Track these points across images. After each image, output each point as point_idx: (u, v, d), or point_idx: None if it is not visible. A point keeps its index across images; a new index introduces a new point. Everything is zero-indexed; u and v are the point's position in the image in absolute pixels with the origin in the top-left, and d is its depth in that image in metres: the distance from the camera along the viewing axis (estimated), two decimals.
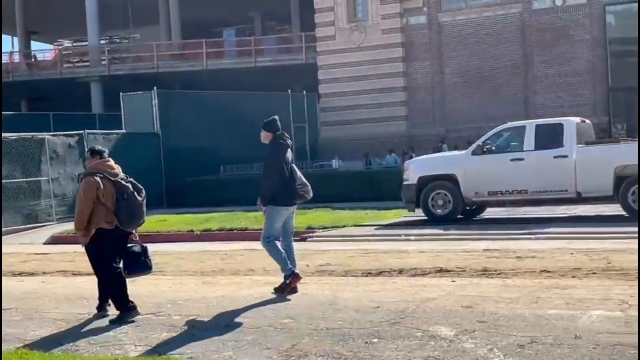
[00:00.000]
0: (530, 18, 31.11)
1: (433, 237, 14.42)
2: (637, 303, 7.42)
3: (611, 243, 12.08)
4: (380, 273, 10.34)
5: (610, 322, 6.92)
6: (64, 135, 22.68)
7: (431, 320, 7.34)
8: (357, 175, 24.00)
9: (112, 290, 8.36)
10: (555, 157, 15.85)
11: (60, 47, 47.13)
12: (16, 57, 48.39)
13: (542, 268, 9.96)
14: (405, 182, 16.98)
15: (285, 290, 8.97)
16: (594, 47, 30.32)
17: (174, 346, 7.00)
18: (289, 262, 9.13)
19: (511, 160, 16.25)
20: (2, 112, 30.71)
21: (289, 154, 9.57)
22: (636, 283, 8.37)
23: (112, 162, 8.49)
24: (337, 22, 33.55)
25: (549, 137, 16.03)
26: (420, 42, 32.66)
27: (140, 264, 8.53)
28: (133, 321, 7.97)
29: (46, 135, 22.10)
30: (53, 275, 11.48)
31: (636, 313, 7.01)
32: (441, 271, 10.18)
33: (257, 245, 14.41)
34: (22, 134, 21.56)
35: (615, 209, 15.76)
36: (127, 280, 8.40)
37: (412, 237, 14.53)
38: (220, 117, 26.96)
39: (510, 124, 17.17)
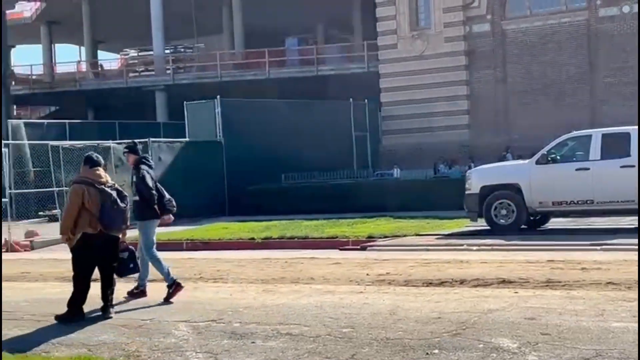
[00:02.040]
0: (597, 25, 30.58)
1: (495, 248, 14.21)
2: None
3: None
4: (441, 283, 10.23)
5: None
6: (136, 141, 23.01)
7: (493, 332, 7.22)
8: (418, 184, 23.84)
9: (75, 291, 8.93)
10: (621, 166, 15.50)
11: (126, 56, 47.95)
12: (83, 67, 49.48)
13: (608, 280, 9.73)
14: (467, 192, 16.79)
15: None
16: None
17: (234, 354, 7.02)
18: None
19: (576, 169, 15.94)
20: (70, 121, 31.46)
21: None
22: None
23: (100, 171, 9.02)
24: (399, 30, 33.46)
25: (616, 147, 15.69)
26: (483, 50, 32.37)
27: (128, 268, 9.42)
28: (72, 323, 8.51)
29: (112, 143, 22.48)
30: (118, 281, 11.62)
31: None
32: (504, 282, 10.02)
33: (318, 253, 14.51)
34: (88, 142, 21.98)
35: None
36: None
37: (474, 247, 14.36)
38: (282, 126, 27.08)
39: (575, 133, 16.85)
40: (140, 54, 46.28)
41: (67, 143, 21.72)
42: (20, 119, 40.31)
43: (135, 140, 11.04)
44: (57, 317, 8.90)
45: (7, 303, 10.18)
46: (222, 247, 17.09)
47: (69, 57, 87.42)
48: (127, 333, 8.11)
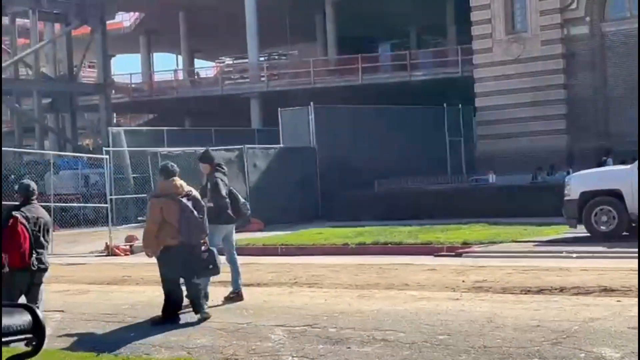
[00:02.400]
0: None
1: (596, 255, 13.83)
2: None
3: None
4: (540, 291, 10.01)
5: None
6: (224, 149, 23.38)
7: (595, 341, 7.02)
8: (515, 189, 23.41)
9: (168, 299, 9.13)
10: None
11: (221, 64, 48.77)
12: (180, 75, 50.57)
13: None
14: (566, 198, 16.39)
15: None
16: None
17: (330, 359, 7.02)
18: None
19: None
20: (168, 128, 32.16)
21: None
22: None
23: (177, 181, 9.18)
24: (494, 34, 32.97)
25: None
26: (582, 53, 31.57)
27: (207, 269, 9.49)
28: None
29: (211, 149, 22.83)
30: (215, 286, 11.80)
31: None
32: (605, 290, 9.74)
33: (412, 259, 14.41)
34: (185, 149, 22.40)
35: None
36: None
37: (574, 255, 14.00)
38: (375, 131, 27.05)
39: None
40: (235, 62, 46.98)
41: (165, 150, 22.20)
42: (120, 126, 41.49)
43: (209, 148, 11.36)
44: (153, 321, 9.09)
45: (109, 306, 10.47)
46: (316, 252, 17.15)
47: (167, 66, 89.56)
48: (225, 337, 8.22)
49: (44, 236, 8.49)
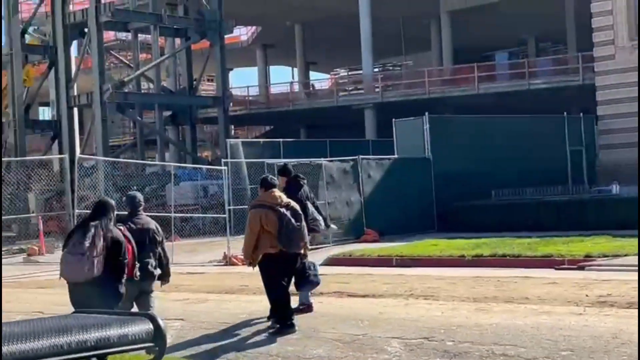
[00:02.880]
0: None
1: None
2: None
3: None
4: None
5: None
6: (339, 160, 23.47)
7: None
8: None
9: (276, 306, 9.32)
10: None
11: (336, 76, 49.07)
12: (296, 87, 51.18)
13: None
14: None
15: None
16: None
17: None
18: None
19: None
20: (284, 140, 32.56)
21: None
22: None
23: (275, 192, 9.40)
24: (617, 40, 31.90)
25: None
26: None
27: (308, 280, 9.79)
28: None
29: (323, 160, 22.98)
30: (330, 296, 11.82)
31: None
32: None
33: (531, 272, 14.03)
34: (300, 160, 22.60)
35: None
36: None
37: None
38: (492, 141, 26.55)
39: None
40: (350, 73, 47.17)
41: (281, 161, 22.43)
42: (237, 138, 42.29)
43: (287, 162, 11.61)
44: (270, 331, 9.21)
45: (227, 315, 10.62)
46: (431, 264, 16.94)
47: (281, 78, 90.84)
48: (341, 348, 8.19)
49: (151, 245, 8.56)
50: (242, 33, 53.54)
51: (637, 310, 9.49)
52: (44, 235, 25.32)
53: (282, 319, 9.18)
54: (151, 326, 3.86)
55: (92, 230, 7.22)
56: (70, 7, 35.18)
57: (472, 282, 12.86)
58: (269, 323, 9.45)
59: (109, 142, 34.89)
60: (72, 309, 11.79)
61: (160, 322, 3.83)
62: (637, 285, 11.47)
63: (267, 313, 9.63)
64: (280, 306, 9.26)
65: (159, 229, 8.95)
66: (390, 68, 47.27)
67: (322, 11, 45.28)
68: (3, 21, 35.40)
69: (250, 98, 48.81)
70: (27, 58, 36.47)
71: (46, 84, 37.45)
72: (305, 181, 10.99)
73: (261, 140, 33.69)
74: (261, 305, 11.37)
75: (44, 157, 32.68)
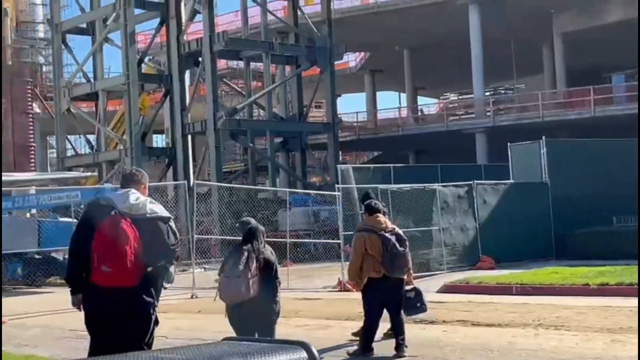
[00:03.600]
0: None
1: None
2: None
3: None
4: None
5: None
6: (453, 185, 23.08)
7: None
8: None
9: (365, 332, 9.40)
10: None
11: (445, 100, 48.63)
12: (404, 112, 50.99)
13: None
14: None
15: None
16: None
17: None
18: None
19: None
20: (394, 165, 32.37)
21: None
22: None
23: (380, 217, 9.53)
24: None
25: None
26: None
27: (415, 307, 9.86)
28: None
29: (437, 186, 22.66)
30: (453, 325, 11.53)
31: None
32: None
33: None
34: (415, 185, 22.35)
35: None
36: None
37: None
38: (611, 165, 25.60)
39: None
40: (460, 97, 46.65)
41: (394, 186, 22.24)
42: (345, 163, 42.35)
43: (369, 191, 11.61)
44: (350, 353, 9.36)
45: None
46: (554, 292, 16.34)
47: (387, 104, 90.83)
48: None
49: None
50: (350, 59, 53.77)
51: None
52: None
53: (365, 346, 9.35)
54: (305, 355, 3.74)
55: (245, 253, 7.53)
56: (185, 37, 36.07)
57: (602, 312, 12.32)
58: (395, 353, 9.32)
59: (222, 168, 35.46)
60: (194, 335, 11.90)
61: (314, 351, 3.71)
62: None
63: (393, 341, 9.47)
64: (369, 335, 9.41)
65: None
66: (502, 92, 46.45)
67: (432, 36, 45.05)
68: (121, 51, 36.59)
69: (359, 124, 48.87)
70: (143, 87, 37.59)
71: (160, 112, 38.47)
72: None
73: (371, 165, 33.57)
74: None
75: (162, 183, 33.39)
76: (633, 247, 21.97)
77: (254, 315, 7.42)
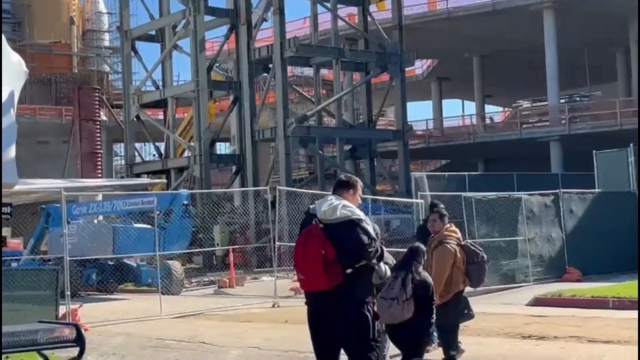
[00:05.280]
0: None
1: None
2: None
3: None
4: None
5: None
6: (539, 194, 22.22)
7: None
8: None
9: (447, 339, 8.98)
10: None
11: (517, 107, 47.58)
12: (468, 120, 50.10)
13: None
14: None
15: None
16: None
17: None
18: None
19: None
20: (470, 173, 31.58)
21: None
22: None
23: (454, 227, 9.15)
24: None
25: None
26: None
27: (463, 314, 9.46)
28: None
29: (522, 194, 21.84)
30: (567, 341, 10.78)
31: None
32: None
33: None
34: (500, 193, 21.59)
35: None
36: None
37: None
38: None
39: None
40: (533, 105, 45.61)
41: (479, 194, 21.48)
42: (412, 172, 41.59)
43: (435, 201, 10.77)
44: None
45: None
46: None
47: (451, 112, 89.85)
48: None
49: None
50: (417, 67, 53.04)
51: None
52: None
53: (449, 351, 9.03)
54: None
55: (403, 274, 7.37)
56: (254, 43, 35.80)
57: None
58: None
59: (291, 175, 35.04)
60: (288, 347, 11.36)
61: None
62: None
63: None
64: (451, 339, 9.10)
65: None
66: (577, 99, 45.27)
67: (502, 43, 44.13)
68: (190, 58, 36.47)
69: (425, 131, 48.11)
70: (211, 94, 37.42)
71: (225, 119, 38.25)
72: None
73: (446, 173, 32.79)
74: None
75: (249, 188, 32.77)
76: None
77: (410, 336, 7.45)
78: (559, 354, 9.41)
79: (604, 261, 22.12)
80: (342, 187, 6.57)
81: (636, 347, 10.10)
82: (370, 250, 6.19)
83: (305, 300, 6.50)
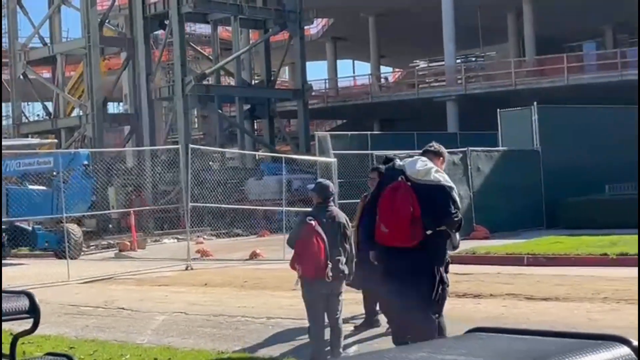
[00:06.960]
0: None
1: None
2: None
3: None
4: None
5: None
6: (448, 152, 22.22)
7: None
8: None
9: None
10: None
11: (412, 68, 47.87)
12: (360, 81, 50.14)
13: None
14: None
15: None
16: None
17: None
18: None
19: None
20: (371, 133, 31.50)
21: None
22: None
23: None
24: None
25: None
26: None
27: None
28: None
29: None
30: (505, 298, 10.68)
31: None
32: None
33: None
34: (400, 152, 21.39)
35: None
36: None
37: None
38: (603, 133, 25.04)
39: None
40: (430, 65, 45.91)
41: (386, 152, 21.28)
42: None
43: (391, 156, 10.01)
44: None
45: None
46: (569, 263, 15.65)
47: (345, 73, 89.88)
48: None
49: (341, 241, 7.74)
50: (312, 26, 52.47)
51: None
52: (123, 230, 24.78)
53: None
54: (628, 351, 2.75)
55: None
56: None
57: None
58: None
59: (190, 135, 34.12)
60: (214, 309, 10.84)
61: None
62: None
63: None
64: None
65: (348, 222, 8.05)
66: (473, 60, 45.81)
67: (398, 2, 44.04)
68: (80, 13, 34.84)
69: (323, 91, 47.80)
70: (103, 51, 35.94)
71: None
72: None
73: (348, 133, 32.55)
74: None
75: (162, 147, 31.45)
76: (626, 216, 21.46)
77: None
78: (504, 312, 9.26)
79: (508, 218, 22.41)
80: (433, 154, 6.86)
81: (577, 304, 10.10)
82: (455, 219, 6.39)
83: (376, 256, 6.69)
